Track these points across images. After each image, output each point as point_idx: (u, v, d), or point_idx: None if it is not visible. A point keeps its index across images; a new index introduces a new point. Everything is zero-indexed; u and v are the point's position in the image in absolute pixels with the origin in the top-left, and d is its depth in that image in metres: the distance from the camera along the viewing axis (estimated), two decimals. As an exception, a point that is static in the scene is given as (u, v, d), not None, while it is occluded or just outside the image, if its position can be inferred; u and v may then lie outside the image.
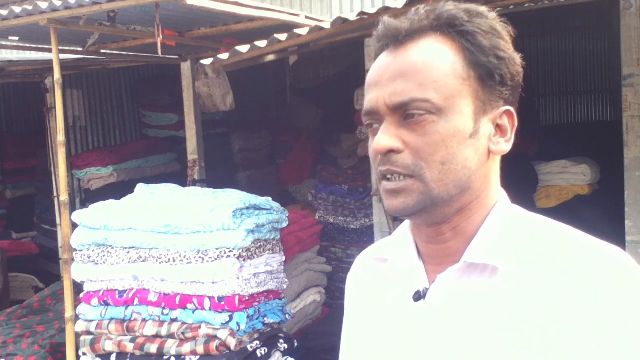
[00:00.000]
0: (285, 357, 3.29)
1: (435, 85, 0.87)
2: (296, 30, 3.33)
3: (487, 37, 0.89)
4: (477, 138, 0.89)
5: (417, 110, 0.87)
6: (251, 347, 3.09)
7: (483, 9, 0.92)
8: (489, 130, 0.91)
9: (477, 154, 0.90)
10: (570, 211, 4.66)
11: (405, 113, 0.88)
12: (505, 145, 0.93)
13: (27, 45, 4.97)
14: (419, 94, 0.87)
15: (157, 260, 3.13)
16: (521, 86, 0.94)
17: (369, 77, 0.94)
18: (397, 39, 0.91)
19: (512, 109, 0.93)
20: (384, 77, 0.90)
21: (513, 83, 0.92)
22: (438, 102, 0.87)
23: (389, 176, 0.90)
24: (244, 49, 3.29)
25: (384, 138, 0.89)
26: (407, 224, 1.02)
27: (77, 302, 3.52)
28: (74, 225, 3.42)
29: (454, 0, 0.95)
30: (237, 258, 3.03)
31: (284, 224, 3.43)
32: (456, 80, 0.88)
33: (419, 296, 0.94)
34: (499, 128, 0.92)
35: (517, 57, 0.92)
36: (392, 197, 0.90)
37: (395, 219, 4.26)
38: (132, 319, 3.20)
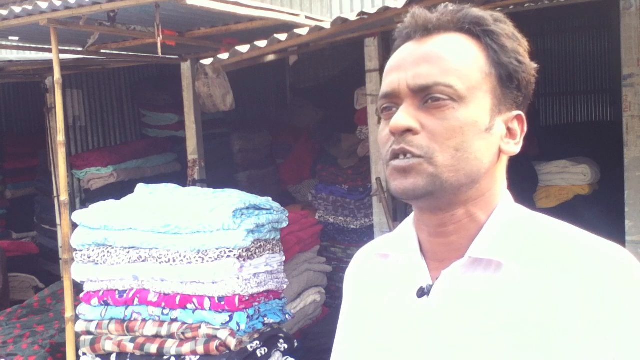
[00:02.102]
0: (285, 357, 3.29)
1: (459, 74, 0.89)
2: (296, 30, 3.33)
3: (509, 41, 0.92)
4: (490, 134, 0.91)
5: (438, 94, 0.88)
6: (251, 347, 3.10)
7: (505, 18, 0.95)
8: (501, 130, 0.93)
9: (489, 149, 0.91)
10: (570, 211, 4.66)
11: (425, 97, 0.89)
12: (515, 147, 0.95)
13: (27, 45, 4.97)
14: (443, 79, 0.89)
15: (157, 260, 3.13)
16: (530, 98, 0.96)
17: (391, 62, 0.95)
18: (426, 29, 0.93)
19: (522, 114, 0.95)
20: (408, 61, 0.92)
21: (526, 91, 0.94)
22: (460, 90, 0.88)
23: (401, 156, 0.90)
24: (244, 49, 3.29)
25: (403, 116, 0.90)
26: (410, 219, 1.02)
27: (77, 302, 3.52)
28: (74, 225, 3.42)
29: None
30: (237, 258, 3.03)
31: (284, 224, 3.43)
32: (479, 73, 0.90)
33: (422, 292, 0.94)
34: (509, 131, 0.94)
35: (532, 67, 0.94)
36: (402, 177, 0.90)
37: (395, 219, 4.26)
38: (132, 319, 3.20)
